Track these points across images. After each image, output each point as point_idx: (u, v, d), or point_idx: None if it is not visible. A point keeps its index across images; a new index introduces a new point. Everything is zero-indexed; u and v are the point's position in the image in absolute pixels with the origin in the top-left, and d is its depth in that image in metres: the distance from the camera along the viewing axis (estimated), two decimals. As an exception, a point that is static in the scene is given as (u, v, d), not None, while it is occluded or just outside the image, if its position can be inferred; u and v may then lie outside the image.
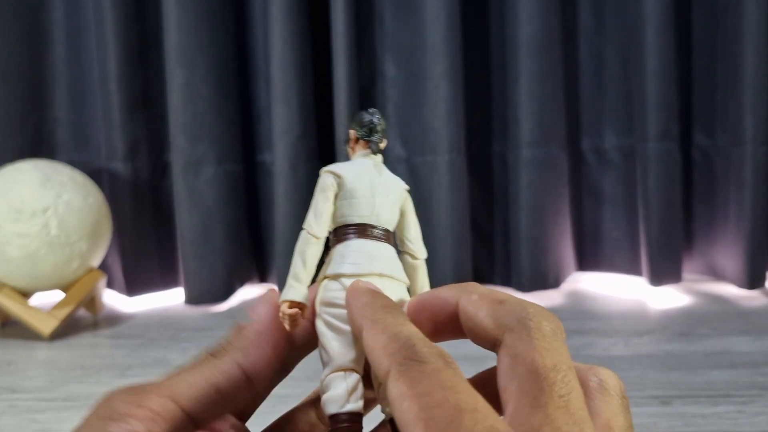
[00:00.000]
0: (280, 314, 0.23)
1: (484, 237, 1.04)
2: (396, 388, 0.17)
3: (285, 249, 0.96)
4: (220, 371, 0.21)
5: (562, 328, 0.20)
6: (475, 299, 0.21)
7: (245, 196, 1.03)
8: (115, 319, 0.94)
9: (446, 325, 0.22)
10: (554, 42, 0.97)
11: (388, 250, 0.24)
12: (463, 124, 0.97)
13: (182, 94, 0.96)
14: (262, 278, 1.07)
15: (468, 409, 0.16)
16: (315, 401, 0.26)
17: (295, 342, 0.24)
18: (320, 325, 0.23)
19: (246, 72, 1.03)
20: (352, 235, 0.24)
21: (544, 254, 0.99)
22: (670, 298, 0.96)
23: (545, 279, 0.99)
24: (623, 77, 1.00)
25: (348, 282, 0.23)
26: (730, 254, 0.97)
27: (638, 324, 0.85)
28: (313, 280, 0.24)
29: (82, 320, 0.92)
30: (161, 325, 0.91)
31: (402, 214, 0.25)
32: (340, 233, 0.24)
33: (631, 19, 0.97)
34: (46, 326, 0.83)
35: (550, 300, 0.97)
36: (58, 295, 0.89)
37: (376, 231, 0.24)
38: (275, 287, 0.24)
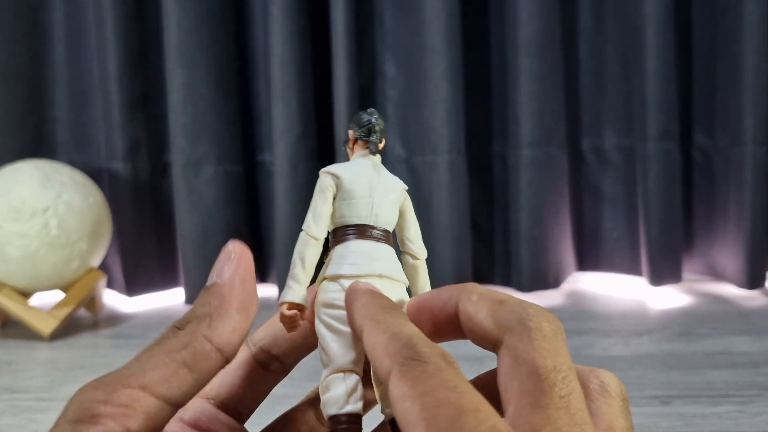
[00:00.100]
0: (279, 316, 0.23)
1: (484, 237, 1.04)
2: (397, 388, 0.17)
3: (285, 249, 0.96)
4: (185, 345, 0.20)
5: (562, 328, 0.20)
6: (475, 299, 0.21)
7: (245, 196, 1.03)
8: (115, 319, 0.94)
9: (446, 326, 0.22)
10: (554, 42, 0.97)
11: (387, 250, 0.24)
12: (463, 124, 0.97)
13: (182, 94, 0.96)
14: (262, 278, 1.07)
15: (470, 409, 0.16)
16: (314, 401, 0.26)
17: (295, 341, 0.24)
18: (319, 327, 0.23)
19: (246, 72, 1.03)
20: (350, 236, 0.24)
21: (544, 254, 0.99)
22: (670, 298, 0.96)
23: (545, 279, 0.99)
24: (623, 77, 1.00)
25: (347, 283, 0.23)
26: (730, 254, 0.97)
27: (638, 324, 0.85)
28: (313, 281, 0.24)
29: (82, 320, 0.92)
30: (161, 325, 0.91)
31: (401, 214, 0.25)
32: (339, 234, 0.24)
33: (631, 19, 0.97)
34: (46, 326, 0.83)
35: (550, 300, 0.97)
36: (58, 295, 0.89)
37: (375, 232, 0.24)
38: (242, 244, 0.23)
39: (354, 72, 0.95)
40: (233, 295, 0.21)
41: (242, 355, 0.25)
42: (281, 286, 0.99)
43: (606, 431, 0.19)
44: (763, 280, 0.96)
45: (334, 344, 0.22)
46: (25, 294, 0.87)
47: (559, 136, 0.99)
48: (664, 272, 0.97)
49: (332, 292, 0.23)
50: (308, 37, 0.98)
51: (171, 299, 1.03)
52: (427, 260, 0.26)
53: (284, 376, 0.25)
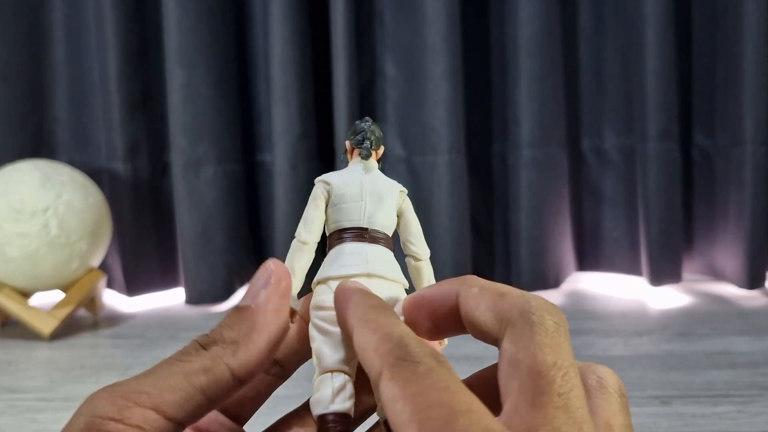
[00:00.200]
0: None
1: (484, 237, 1.04)
2: (389, 389, 0.17)
3: (285, 249, 0.95)
4: (206, 370, 0.20)
5: (565, 322, 0.19)
6: (476, 292, 0.20)
7: (245, 196, 1.03)
8: (115, 319, 0.94)
9: (446, 321, 0.21)
10: (554, 42, 0.97)
11: (380, 251, 0.24)
12: (463, 124, 0.97)
13: (182, 94, 0.96)
14: (262, 278, 1.07)
15: (462, 409, 0.16)
16: None
17: (294, 345, 0.24)
18: (311, 329, 0.23)
19: (246, 72, 1.03)
20: (343, 240, 0.24)
21: (544, 254, 0.99)
22: (670, 298, 0.96)
23: (545, 279, 0.99)
24: (623, 77, 1.00)
25: (335, 284, 0.23)
26: (730, 254, 0.97)
27: (638, 324, 0.85)
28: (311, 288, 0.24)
29: (82, 320, 0.92)
30: (161, 325, 0.91)
31: (400, 216, 0.25)
32: (332, 238, 0.25)
33: (631, 19, 0.97)
34: (46, 326, 0.83)
35: (549, 300, 0.97)
36: (58, 295, 0.89)
37: (367, 234, 0.24)
38: (282, 265, 0.23)
39: (354, 72, 0.95)
40: (264, 326, 0.21)
41: None
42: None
43: (604, 428, 0.19)
44: (763, 280, 0.96)
45: (323, 345, 0.22)
46: (25, 294, 0.87)
47: (559, 136, 0.99)
48: (664, 272, 0.97)
49: (321, 294, 0.23)
50: (308, 37, 0.97)
51: (171, 299, 1.03)
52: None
53: (284, 380, 0.25)
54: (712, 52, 0.98)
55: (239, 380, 0.21)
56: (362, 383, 0.22)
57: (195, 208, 0.98)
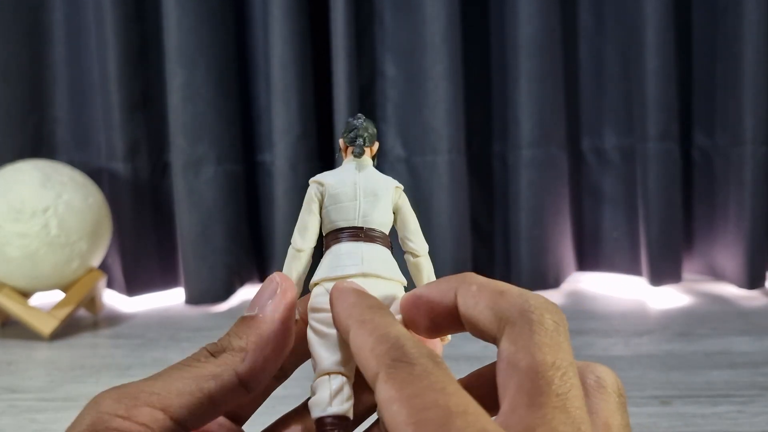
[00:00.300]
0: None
1: (484, 237, 1.04)
2: (385, 391, 0.17)
3: (285, 248, 0.94)
4: (214, 376, 0.20)
5: (565, 321, 0.19)
6: (475, 290, 0.20)
7: (245, 196, 1.03)
8: (115, 319, 0.94)
9: (445, 319, 0.21)
10: (554, 42, 0.97)
11: (376, 249, 0.24)
12: (463, 124, 0.97)
13: (182, 94, 0.96)
14: (262, 278, 1.07)
15: (459, 411, 0.16)
16: None
17: (295, 349, 0.24)
18: (308, 333, 0.23)
19: (246, 72, 1.03)
20: (338, 240, 0.24)
21: (544, 254, 0.99)
22: (670, 298, 0.96)
23: (545, 279, 0.99)
24: (623, 77, 1.00)
25: (330, 285, 0.23)
26: (730, 254, 0.97)
27: (638, 324, 0.85)
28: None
29: (82, 320, 0.92)
30: (161, 325, 0.91)
31: (397, 212, 0.25)
32: (328, 239, 0.24)
33: (631, 19, 0.97)
34: (46, 326, 0.83)
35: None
36: (58, 295, 0.89)
37: (362, 233, 0.24)
38: (287, 278, 0.23)
39: (354, 72, 0.95)
40: (271, 334, 0.21)
41: None
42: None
43: (602, 428, 0.19)
44: (763, 280, 0.96)
45: (319, 348, 0.22)
46: (25, 294, 0.87)
47: (559, 136, 0.99)
48: (664, 272, 0.97)
49: (317, 296, 0.23)
50: (308, 37, 0.98)
51: (171, 299, 1.03)
52: (427, 260, 0.26)
53: (283, 381, 0.25)
54: (712, 52, 0.98)
55: (247, 387, 0.21)
56: (362, 383, 0.22)
57: (195, 208, 0.98)
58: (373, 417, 0.23)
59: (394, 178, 0.26)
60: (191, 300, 0.99)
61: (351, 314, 0.20)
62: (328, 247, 0.24)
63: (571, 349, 0.19)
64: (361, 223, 0.24)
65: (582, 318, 0.88)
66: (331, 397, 0.21)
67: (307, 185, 0.25)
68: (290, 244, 0.25)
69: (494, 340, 0.19)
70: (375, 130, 0.25)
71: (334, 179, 0.25)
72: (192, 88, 0.96)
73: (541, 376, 0.17)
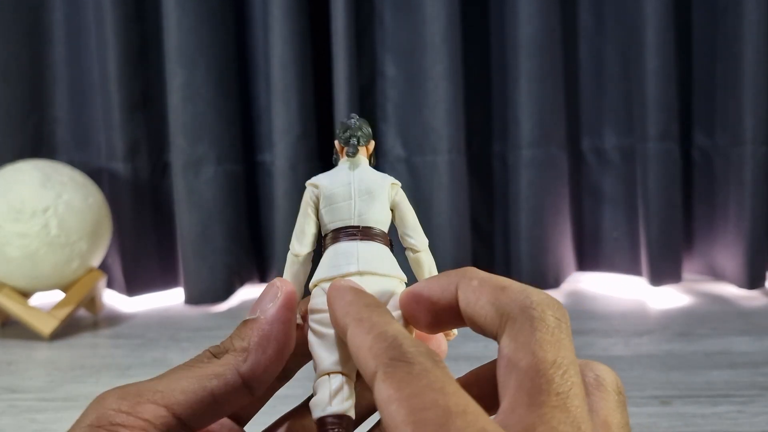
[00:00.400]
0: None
1: (484, 237, 1.04)
2: (383, 390, 0.17)
3: (285, 249, 0.96)
4: (217, 375, 0.20)
5: (567, 317, 0.19)
6: (476, 285, 0.20)
7: (245, 196, 1.03)
8: (115, 319, 0.94)
9: (446, 314, 0.21)
10: (554, 42, 0.97)
11: (372, 247, 0.24)
12: (463, 124, 0.97)
13: (182, 94, 0.96)
14: (262, 278, 1.07)
15: (458, 411, 0.16)
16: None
17: (297, 351, 0.24)
18: (308, 334, 0.23)
19: (246, 72, 1.03)
20: (334, 240, 0.24)
21: (544, 254, 0.99)
22: (670, 298, 0.96)
23: (545, 279, 0.99)
24: (623, 77, 1.00)
25: (327, 285, 0.23)
26: (730, 254, 0.97)
27: (638, 324, 0.85)
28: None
29: (82, 320, 0.92)
30: (161, 325, 0.91)
31: (394, 209, 0.25)
32: (326, 240, 0.24)
33: (631, 19, 0.97)
34: (46, 326, 0.83)
35: (550, 300, 0.97)
36: (58, 295, 0.89)
37: (358, 231, 0.24)
38: (288, 282, 0.23)
39: (354, 72, 0.95)
40: (273, 335, 0.21)
41: None
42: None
43: (602, 426, 0.19)
44: (763, 280, 0.96)
45: (319, 348, 0.22)
46: (25, 294, 0.87)
47: (559, 136, 0.99)
48: (664, 272, 0.97)
49: (315, 297, 0.23)
50: (308, 37, 0.98)
51: (171, 299, 1.03)
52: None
53: (285, 383, 0.25)
54: (712, 52, 0.98)
55: (250, 388, 0.21)
56: (364, 381, 0.22)
57: (195, 208, 0.98)
58: (377, 415, 0.23)
59: (395, 178, 0.26)
60: (191, 300, 0.99)
61: (348, 313, 0.20)
62: (326, 248, 0.24)
63: (573, 346, 0.18)
64: (357, 221, 0.24)
65: (582, 318, 0.88)
66: (331, 396, 0.21)
67: None
68: (289, 249, 0.25)
69: (495, 336, 0.19)
70: (370, 129, 0.25)
71: (328, 180, 0.25)
72: (192, 88, 0.96)
73: (541, 375, 0.17)
